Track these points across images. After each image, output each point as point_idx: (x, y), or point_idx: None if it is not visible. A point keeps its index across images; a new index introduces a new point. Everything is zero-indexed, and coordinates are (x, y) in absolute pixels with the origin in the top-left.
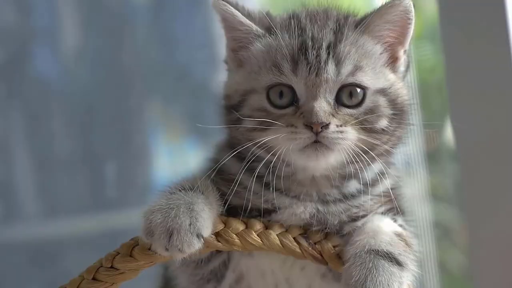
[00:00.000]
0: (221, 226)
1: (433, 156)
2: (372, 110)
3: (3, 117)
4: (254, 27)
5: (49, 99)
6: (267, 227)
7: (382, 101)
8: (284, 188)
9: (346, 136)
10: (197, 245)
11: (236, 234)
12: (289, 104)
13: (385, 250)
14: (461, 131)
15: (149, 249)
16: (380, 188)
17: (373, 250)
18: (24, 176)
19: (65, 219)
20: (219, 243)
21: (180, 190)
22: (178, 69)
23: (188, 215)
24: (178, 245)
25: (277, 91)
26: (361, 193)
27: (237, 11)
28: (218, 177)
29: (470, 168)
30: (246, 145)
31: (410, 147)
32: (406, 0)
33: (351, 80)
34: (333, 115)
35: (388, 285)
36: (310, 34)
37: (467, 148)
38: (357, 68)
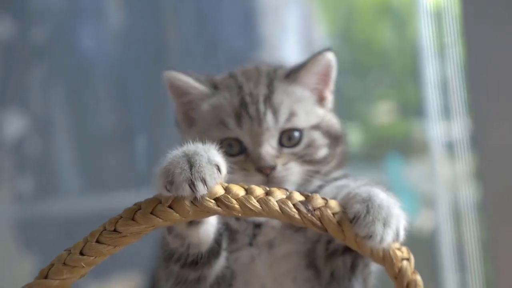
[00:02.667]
0: (221, 192)
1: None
2: (310, 145)
3: (44, 93)
4: (204, 88)
5: (89, 76)
6: (267, 193)
7: (317, 135)
8: None
9: (292, 171)
10: (217, 177)
11: (236, 200)
12: (239, 152)
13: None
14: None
15: (152, 212)
16: (342, 182)
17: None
18: (63, 151)
19: (103, 194)
20: (219, 208)
21: None
22: (212, 45)
23: (206, 153)
24: (201, 171)
25: (227, 143)
26: (322, 188)
27: (188, 77)
28: None
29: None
30: None
31: (455, 129)
32: (327, 54)
33: (288, 125)
34: (277, 157)
35: (389, 201)
36: (248, 91)
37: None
38: (291, 114)
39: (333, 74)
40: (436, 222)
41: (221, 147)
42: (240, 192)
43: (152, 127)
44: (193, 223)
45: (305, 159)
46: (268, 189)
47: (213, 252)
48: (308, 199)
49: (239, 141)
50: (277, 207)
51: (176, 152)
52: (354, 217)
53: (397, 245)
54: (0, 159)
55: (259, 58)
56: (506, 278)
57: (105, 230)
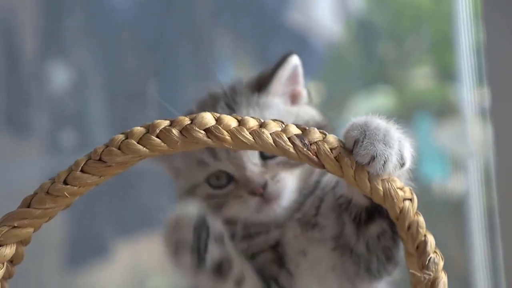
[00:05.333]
0: (212, 122)
1: None
2: None
3: (79, 49)
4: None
5: (123, 33)
6: (261, 125)
7: None
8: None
9: (284, 182)
10: None
11: (227, 131)
12: (228, 181)
13: None
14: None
15: (139, 142)
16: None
17: None
18: (97, 107)
19: None
20: (209, 139)
21: None
22: (253, 5)
23: None
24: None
25: (214, 177)
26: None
27: None
28: None
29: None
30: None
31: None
32: (291, 58)
33: None
34: (265, 172)
35: (387, 125)
36: None
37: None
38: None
39: (301, 72)
40: (466, 186)
41: (209, 185)
42: (232, 123)
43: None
44: None
45: (292, 163)
46: (262, 121)
47: None
48: (304, 132)
49: (223, 172)
50: (270, 140)
51: None
52: (354, 143)
53: (399, 184)
54: (38, 112)
55: (289, 18)
56: None
57: (90, 159)
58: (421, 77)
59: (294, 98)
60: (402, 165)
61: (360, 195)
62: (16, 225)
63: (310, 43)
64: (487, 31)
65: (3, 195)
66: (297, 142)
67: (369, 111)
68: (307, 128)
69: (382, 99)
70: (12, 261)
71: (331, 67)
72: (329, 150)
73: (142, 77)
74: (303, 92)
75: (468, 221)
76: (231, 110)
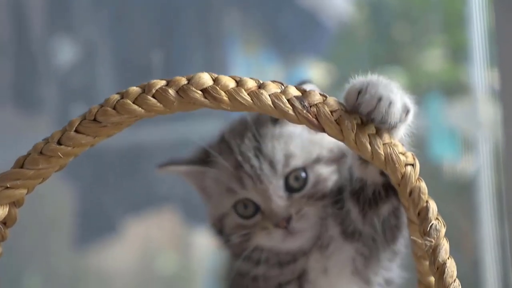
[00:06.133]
0: (210, 82)
1: None
2: (317, 181)
3: (87, 23)
4: (198, 169)
5: (131, 5)
6: (260, 86)
7: (320, 168)
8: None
9: (308, 216)
10: None
11: (225, 92)
12: (255, 211)
13: None
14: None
15: (134, 102)
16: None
17: None
18: (106, 80)
19: (143, 128)
20: (206, 100)
21: None
22: None
23: None
24: None
25: (241, 206)
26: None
27: (179, 165)
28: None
29: None
30: (244, 255)
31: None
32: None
33: (287, 170)
34: (289, 206)
35: (387, 81)
36: (237, 150)
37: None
38: (288, 156)
39: None
40: (476, 166)
41: (237, 213)
42: (230, 83)
43: (197, 62)
44: None
45: (316, 197)
46: (261, 82)
47: None
48: (304, 94)
49: (250, 200)
50: (269, 102)
51: None
52: (358, 94)
53: (400, 149)
54: (46, 86)
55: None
56: None
57: (85, 119)
58: (433, 58)
59: None
60: (407, 113)
61: (374, 172)
62: (8, 185)
63: (320, 21)
64: (497, 12)
65: None
66: (297, 104)
67: None
68: (307, 90)
69: (393, 79)
70: (5, 223)
71: (341, 47)
72: (329, 112)
73: (150, 49)
74: None
75: (477, 200)
76: (257, 143)
